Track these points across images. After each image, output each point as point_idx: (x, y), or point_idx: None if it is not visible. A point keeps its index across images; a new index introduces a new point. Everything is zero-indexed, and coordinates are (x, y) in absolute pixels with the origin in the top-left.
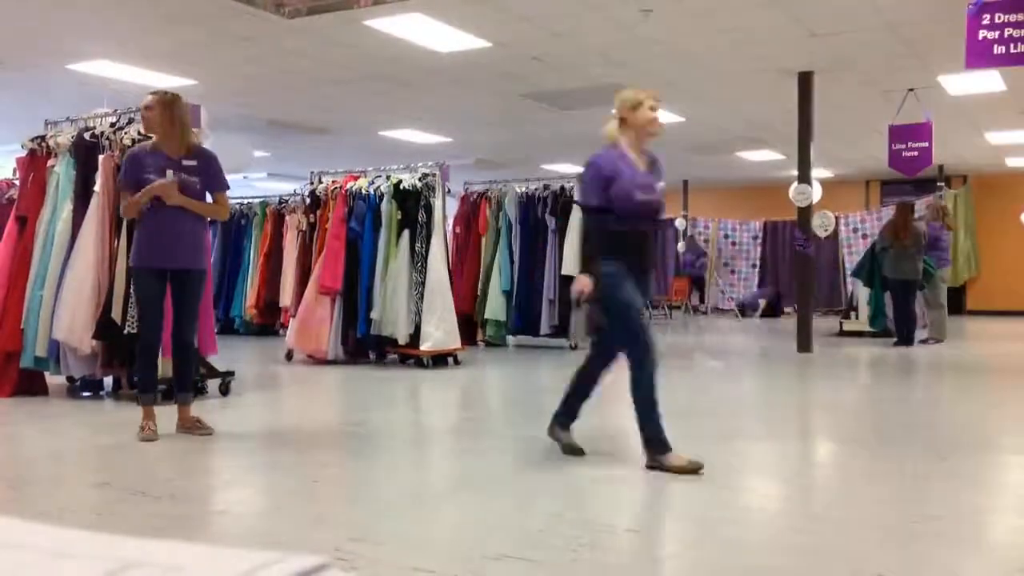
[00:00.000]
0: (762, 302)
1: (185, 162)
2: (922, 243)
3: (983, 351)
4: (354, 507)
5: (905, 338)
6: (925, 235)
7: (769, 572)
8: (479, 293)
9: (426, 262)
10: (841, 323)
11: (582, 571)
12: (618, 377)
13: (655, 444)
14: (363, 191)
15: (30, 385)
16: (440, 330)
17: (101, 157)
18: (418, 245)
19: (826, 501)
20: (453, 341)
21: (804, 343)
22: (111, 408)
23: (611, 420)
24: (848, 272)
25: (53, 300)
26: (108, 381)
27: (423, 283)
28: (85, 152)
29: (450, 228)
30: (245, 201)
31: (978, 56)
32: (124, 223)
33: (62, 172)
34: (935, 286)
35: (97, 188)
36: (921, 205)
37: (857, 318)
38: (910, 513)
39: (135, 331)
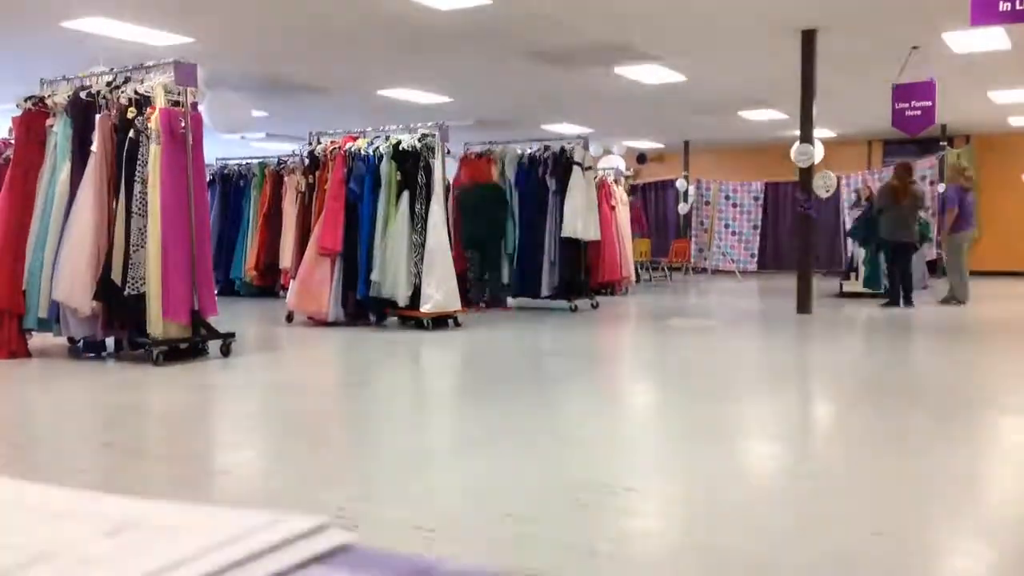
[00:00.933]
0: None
1: None
2: (919, 205)
3: (983, 312)
4: (356, 467)
5: (906, 299)
6: (922, 197)
7: (769, 531)
8: None
9: (426, 224)
10: (841, 284)
11: (583, 530)
12: (624, 344)
13: None
14: (362, 152)
15: (20, 347)
16: (440, 292)
17: (98, 117)
18: (418, 207)
19: (826, 461)
20: (453, 303)
21: (804, 304)
22: (113, 369)
23: (611, 383)
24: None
25: (53, 261)
26: (110, 342)
27: (423, 245)
28: (82, 111)
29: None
30: (244, 162)
31: (983, 12)
32: (123, 184)
33: (60, 132)
34: (954, 250)
35: (94, 148)
36: (924, 165)
37: (857, 279)
38: (909, 473)
39: (135, 292)
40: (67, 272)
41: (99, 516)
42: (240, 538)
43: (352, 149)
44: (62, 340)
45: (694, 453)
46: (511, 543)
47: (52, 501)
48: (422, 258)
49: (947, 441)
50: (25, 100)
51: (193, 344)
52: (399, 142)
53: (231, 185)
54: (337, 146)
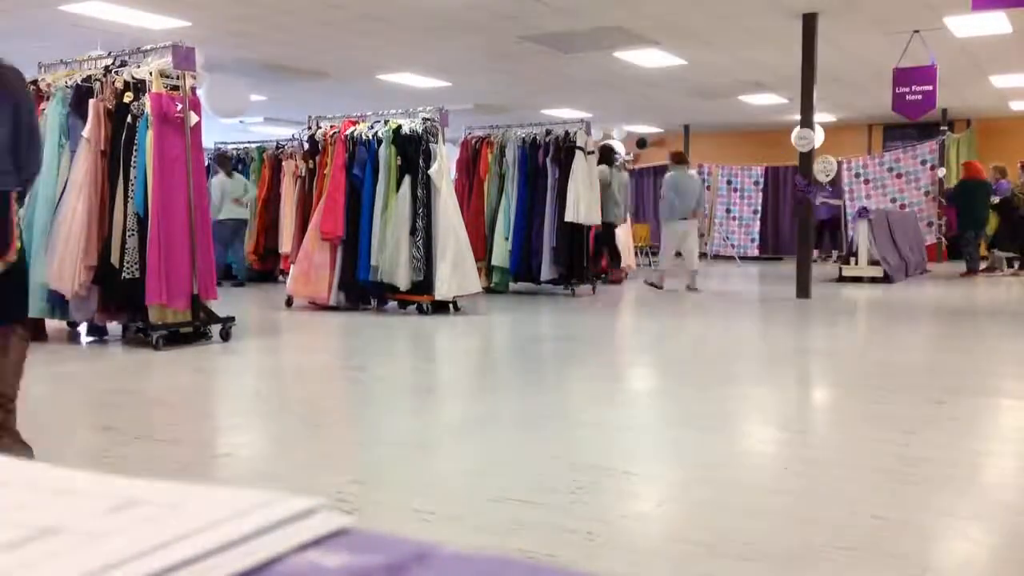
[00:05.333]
0: None
1: None
2: None
3: (981, 296)
4: (356, 451)
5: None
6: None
7: (767, 513)
8: (484, 240)
9: (429, 208)
10: (841, 268)
11: (582, 512)
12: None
13: None
14: (363, 136)
15: (33, 331)
16: (455, 276)
17: (91, 102)
18: (420, 191)
19: (823, 445)
20: (470, 286)
21: (803, 288)
22: (114, 353)
23: (611, 368)
24: (850, 217)
25: (45, 245)
26: (114, 327)
27: (426, 229)
28: (79, 98)
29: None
30: (242, 146)
31: None
32: (121, 168)
33: (51, 116)
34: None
35: (85, 133)
36: (924, 150)
37: (856, 263)
38: (906, 457)
39: (130, 277)
40: (56, 256)
41: (102, 494)
42: (244, 514)
43: (353, 134)
44: (62, 324)
45: (693, 437)
46: (510, 526)
47: (54, 479)
48: (425, 243)
49: (946, 424)
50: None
51: (195, 328)
52: (399, 126)
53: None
54: (337, 131)
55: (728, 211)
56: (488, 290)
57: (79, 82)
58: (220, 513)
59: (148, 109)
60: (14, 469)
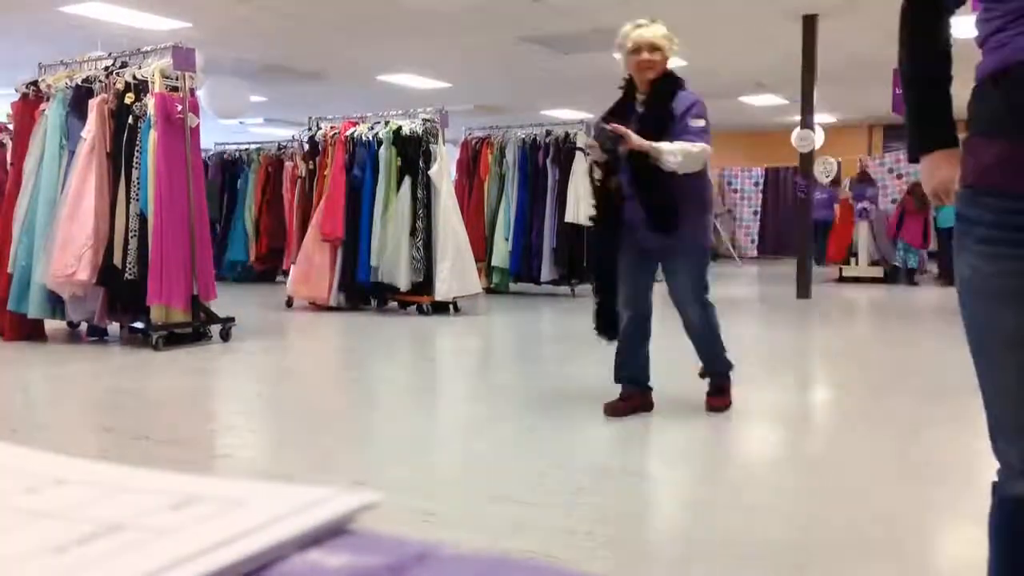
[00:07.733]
0: None
1: None
2: None
3: None
4: (356, 451)
5: None
6: None
7: (770, 514)
8: (485, 241)
9: (429, 209)
10: (841, 269)
11: (583, 513)
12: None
13: None
14: (363, 137)
15: (33, 331)
16: (455, 277)
17: (92, 102)
18: (420, 192)
19: (826, 445)
20: (470, 287)
21: (803, 289)
22: (114, 353)
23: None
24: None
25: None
26: (112, 327)
27: (426, 230)
28: (79, 98)
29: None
30: (242, 147)
31: None
32: (123, 169)
33: (51, 117)
34: None
35: (84, 134)
36: None
37: (857, 264)
38: (909, 456)
39: (133, 277)
40: (51, 256)
41: (163, 491)
42: (306, 510)
43: (354, 135)
44: (62, 324)
45: (693, 437)
46: (510, 527)
47: (114, 477)
48: (425, 243)
49: (946, 424)
50: (24, 85)
51: (195, 329)
52: (399, 127)
53: (228, 170)
54: (337, 132)
55: (729, 212)
56: (488, 291)
57: (79, 83)
58: (282, 509)
59: (152, 110)
60: (73, 466)
